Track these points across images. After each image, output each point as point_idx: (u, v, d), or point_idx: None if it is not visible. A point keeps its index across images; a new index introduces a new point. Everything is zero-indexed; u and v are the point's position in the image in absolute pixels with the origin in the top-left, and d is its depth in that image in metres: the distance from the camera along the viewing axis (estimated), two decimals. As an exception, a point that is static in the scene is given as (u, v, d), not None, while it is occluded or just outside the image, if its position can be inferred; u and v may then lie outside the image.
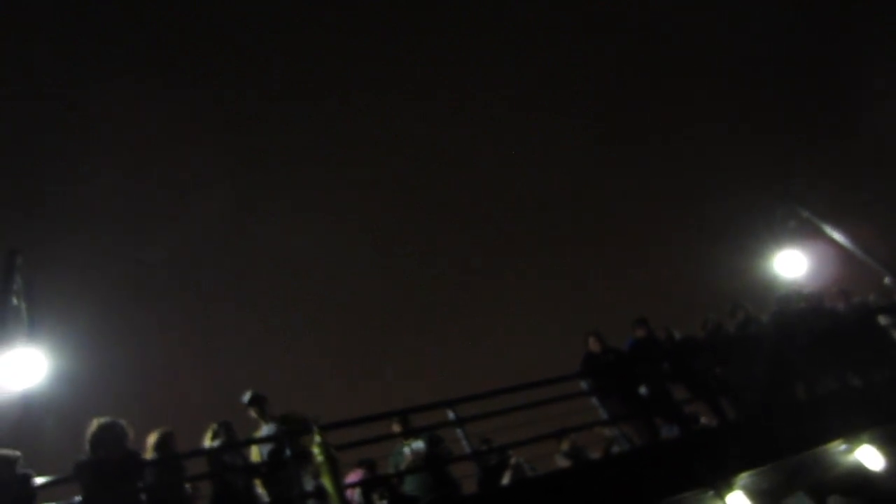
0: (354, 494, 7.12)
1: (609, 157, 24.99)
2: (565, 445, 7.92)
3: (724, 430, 7.81)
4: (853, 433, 7.68)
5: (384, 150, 25.08)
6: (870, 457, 7.53)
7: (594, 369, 8.01)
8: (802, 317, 8.75)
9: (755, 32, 22.61)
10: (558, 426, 7.54)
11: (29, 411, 6.33)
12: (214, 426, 6.51)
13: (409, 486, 7.14)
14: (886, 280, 10.20)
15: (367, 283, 24.31)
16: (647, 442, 7.49)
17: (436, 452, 7.22)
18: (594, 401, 7.81)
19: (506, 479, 7.41)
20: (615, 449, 7.88)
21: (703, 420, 8.66)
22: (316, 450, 6.16)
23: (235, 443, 6.53)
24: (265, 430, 6.76)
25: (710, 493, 7.01)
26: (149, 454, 6.02)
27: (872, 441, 7.57)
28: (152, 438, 6.11)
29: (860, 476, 7.61)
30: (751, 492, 7.11)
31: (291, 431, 6.56)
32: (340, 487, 6.07)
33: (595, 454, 8.18)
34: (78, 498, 5.56)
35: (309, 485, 6.50)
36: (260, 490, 6.46)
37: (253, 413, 6.84)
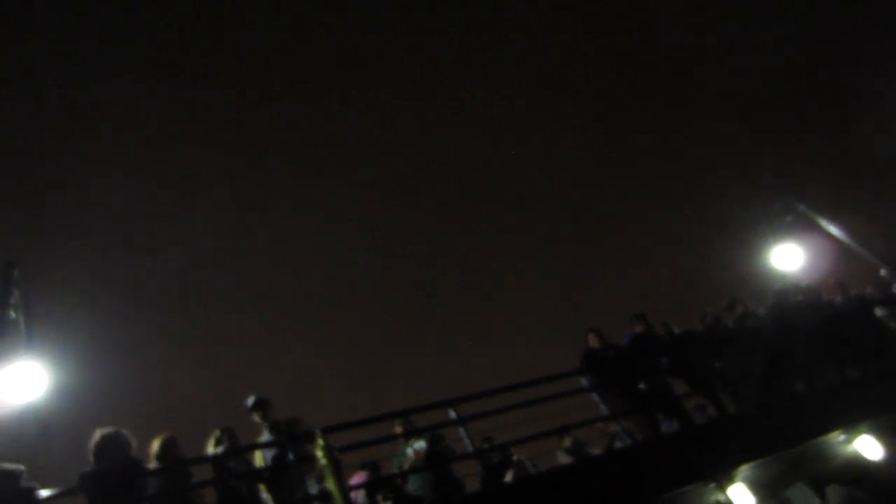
0: (359, 496, 7.15)
1: (608, 156, 25.07)
2: (567, 442, 7.97)
3: (724, 424, 7.86)
4: (852, 424, 7.74)
5: (384, 150, 25.11)
6: (868, 447, 7.59)
7: (594, 365, 8.04)
8: (800, 310, 8.80)
9: (754, 31, 22.66)
10: (559, 423, 7.57)
11: (30, 425, 6.33)
12: (217, 432, 6.51)
13: (413, 485, 7.17)
14: (883, 272, 10.27)
15: (367, 282, 24.36)
16: (647, 437, 7.53)
17: (438, 451, 7.25)
18: (595, 397, 7.86)
19: (508, 477, 7.45)
20: (617, 445, 7.92)
21: (710, 411, 8.68)
22: (319, 453, 6.18)
23: (239, 448, 6.54)
24: (268, 434, 6.77)
25: (712, 485, 7.06)
26: (152, 461, 6.03)
27: (871, 431, 7.64)
28: (155, 445, 6.12)
29: (859, 466, 7.67)
30: (752, 483, 7.15)
31: (295, 436, 6.57)
32: (345, 490, 6.10)
33: (597, 450, 8.23)
34: (83, 508, 5.57)
35: (313, 488, 6.53)
36: (265, 495, 6.47)
37: (257, 417, 6.84)
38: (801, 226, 10.09)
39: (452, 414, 7.21)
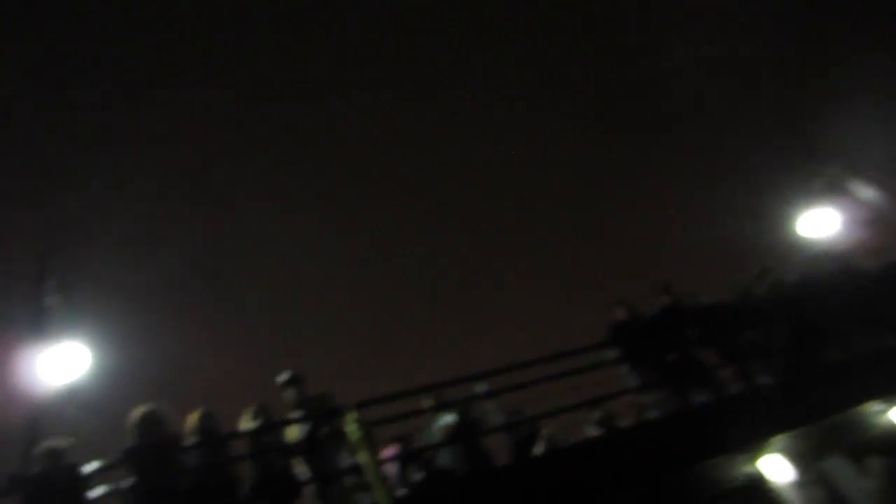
0: (390, 469, 7.27)
1: (631, 124, 24.67)
2: (596, 415, 7.97)
3: (756, 394, 7.77)
4: (890, 393, 7.60)
5: (402, 137, 25.19)
6: (907, 416, 7.46)
7: (622, 337, 8.00)
8: (832, 277, 8.61)
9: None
10: (588, 396, 7.57)
11: (73, 404, 6.58)
12: (252, 408, 6.67)
13: (444, 458, 7.28)
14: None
15: (395, 260, 24.56)
16: (677, 408, 7.49)
17: (467, 423, 7.32)
18: (623, 369, 7.83)
19: (537, 450, 7.51)
20: (646, 416, 7.90)
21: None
22: (351, 427, 6.29)
23: (273, 424, 6.69)
24: (301, 410, 6.90)
25: (744, 457, 7.02)
26: (189, 436, 6.20)
27: (909, 400, 7.49)
28: (192, 420, 6.30)
29: (897, 435, 7.55)
30: (787, 454, 7.11)
31: (327, 411, 6.70)
32: (377, 463, 6.21)
33: (627, 423, 8.22)
34: (127, 482, 5.78)
35: (346, 462, 6.67)
36: (299, 469, 6.63)
37: (290, 393, 6.98)
38: (834, 191, 9.83)
39: (481, 388, 7.27)
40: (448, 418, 7.37)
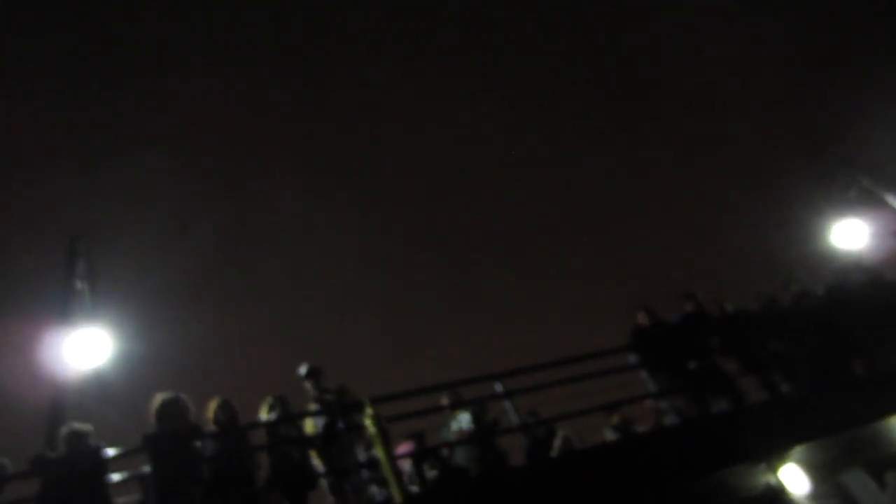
0: (406, 465, 7.29)
1: (663, 133, 24.49)
2: (615, 419, 7.92)
3: (777, 404, 7.67)
4: (914, 408, 7.46)
5: (419, 140, 25.26)
6: (931, 432, 7.31)
7: (643, 343, 7.94)
8: (861, 289, 8.46)
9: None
10: (607, 400, 7.53)
11: (96, 388, 6.67)
12: (270, 399, 6.72)
13: (459, 457, 7.28)
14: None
15: (416, 258, 24.62)
16: (697, 415, 7.42)
17: (481, 424, 7.32)
18: (643, 374, 7.77)
19: (554, 452, 7.48)
20: (665, 422, 7.83)
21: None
22: (368, 422, 6.31)
23: (291, 415, 6.73)
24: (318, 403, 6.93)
25: (763, 466, 6.93)
26: (209, 423, 6.26)
27: (935, 416, 7.34)
28: (211, 408, 6.35)
29: (921, 451, 7.41)
30: (805, 465, 7.00)
31: (344, 404, 6.72)
32: (392, 458, 6.22)
33: (644, 428, 8.16)
34: (146, 468, 5.85)
35: (362, 456, 6.70)
36: (315, 461, 6.67)
37: (309, 386, 7.01)
38: (866, 201, 9.65)
39: (499, 387, 7.25)
40: (463, 421, 7.37)
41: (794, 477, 6.98)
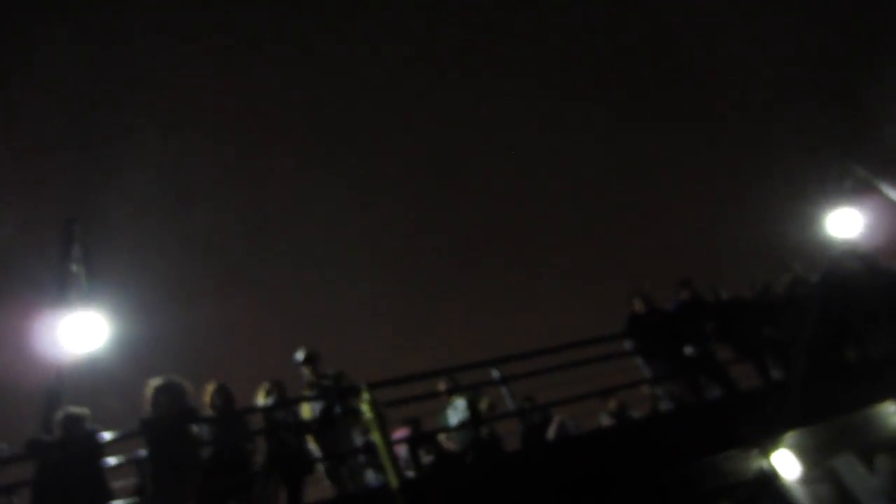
0: (401, 451, 7.32)
1: (654, 124, 24.48)
2: (611, 405, 7.98)
3: (771, 390, 7.75)
4: (904, 394, 7.55)
5: (432, 121, 25.14)
6: (921, 418, 7.41)
7: (638, 329, 7.99)
8: (855, 277, 8.52)
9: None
10: (603, 386, 7.58)
11: (91, 372, 6.65)
12: (267, 384, 6.72)
13: (454, 442, 7.34)
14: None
15: (417, 243, 24.64)
16: (691, 401, 7.49)
17: (475, 411, 7.35)
18: (638, 361, 7.83)
19: (549, 438, 7.53)
20: (660, 408, 7.91)
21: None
22: (365, 407, 6.33)
23: (288, 400, 6.74)
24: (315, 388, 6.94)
25: (755, 451, 7.01)
26: (207, 404, 6.26)
27: (925, 402, 7.44)
28: (207, 392, 6.33)
29: (911, 437, 7.51)
30: (797, 450, 7.09)
31: (341, 389, 6.73)
32: (389, 443, 6.25)
33: (640, 414, 8.23)
34: (142, 452, 5.85)
35: (358, 441, 6.72)
36: (312, 446, 6.68)
37: (306, 371, 7.01)
38: (861, 190, 9.69)
39: (496, 373, 7.29)
40: (459, 407, 7.40)
41: (786, 462, 7.06)
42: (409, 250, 24.40)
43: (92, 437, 5.66)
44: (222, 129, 23.47)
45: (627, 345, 8.00)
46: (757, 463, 7.12)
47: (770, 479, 7.08)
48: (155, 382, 5.94)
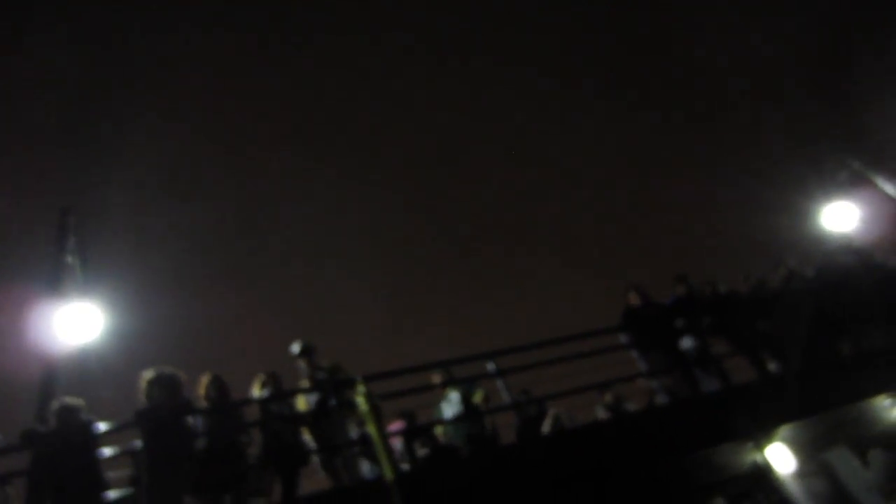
0: (396, 443, 7.33)
1: (652, 118, 24.49)
2: (608, 398, 8.00)
3: (765, 384, 7.77)
4: (898, 388, 7.58)
5: (427, 109, 25.08)
6: (915, 412, 7.45)
7: (634, 323, 8.00)
8: (850, 271, 8.54)
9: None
10: (599, 379, 7.59)
11: (86, 363, 6.64)
12: (262, 376, 6.72)
13: (451, 435, 7.35)
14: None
15: (416, 236, 24.63)
16: (687, 394, 7.51)
17: (470, 404, 7.37)
18: (634, 354, 7.84)
19: (545, 431, 7.55)
20: (656, 401, 7.93)
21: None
22: (360, 400, 6.33)
23: (283, 392, 6.74)
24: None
25: (750, 444, 7.04)
26: (201, 396, 6.26)
27: (919, 396, 7.47)
28: (202, 383, 6.34)
29: (904, 431, 7.54)
30: (791, 444, 7.11)
31: (337, 382, 6.74)
32: (384, 435, 6.25)
33: (636, 407, 8.25)
34: (137, 443, 5.85)
35: (354, 433, 6.73)
36: (307, 438, 6.69)
37: (302, 363, 7.00)
38: (857, 184, 9.71)
39: (491, 366, 7.29)
40: (453, 399, 7.41)
41: (780, 455, 7.09)
42: (406, 242, 24.43)
43: (87, 427, 5.67)
44: (219, 121, 23.41)
45: (623, 338, 8.01)
46: (751, 456, 7.14)
47: (764, 473, 7.11)
48: (149, 374, 5.94)
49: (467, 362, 7.38)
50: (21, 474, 5.50)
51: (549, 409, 7.75)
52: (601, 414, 7.94)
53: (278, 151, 23.92)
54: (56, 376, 6.36)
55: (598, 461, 6.46)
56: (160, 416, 5.74)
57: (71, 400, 5.77)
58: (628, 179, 24.56)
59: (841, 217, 9.77)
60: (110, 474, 5.97)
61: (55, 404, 5.77)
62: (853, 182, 9.72)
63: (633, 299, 8.15)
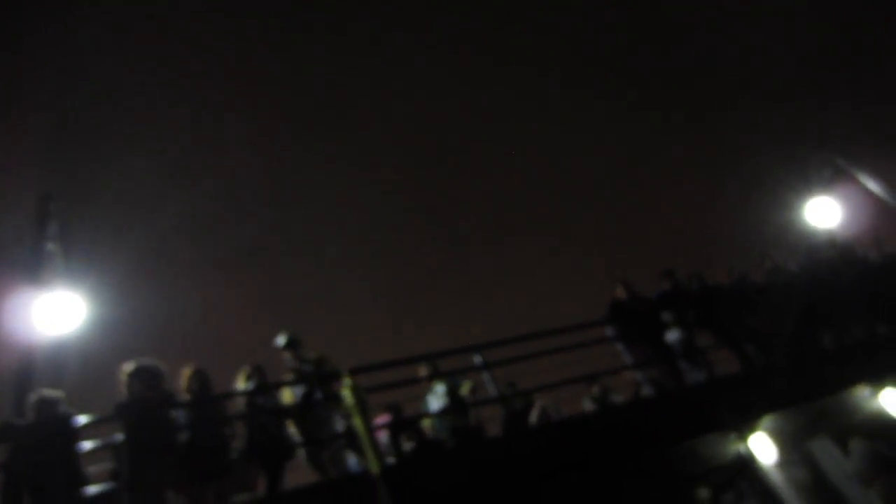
0: (382, 437, 7.28)
1: (637, 115, 24.64)
2: (594, 390, 8.02)
3: (749, 375, 7.85)
4: (878, 379, 7.71)
5: (415, 106, 25.00)
6: (893, 402, 7.56)
7: (620, 316, 8.03)
8: (833, 265, 8.67)
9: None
10: (585, 372, 7.61)
11: (65, 355, 6.50)
12: (247, 369, 6.63)
13: (434, 429, 7.32)
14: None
15: (399, 228, 24.55)
16: (672, 386, 7.56)
17: (455, 397, 7.34)
18: (620, 347, 7.87)
19: (531, 423, 7.55)
20: (642, 393, 7.97)
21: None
22: (346, 392, 6.28)
23: (269, 385, 6.66)
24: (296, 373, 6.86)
25: (733, 435, 7.10)
26: (184, 389, 6.16)
27: (896, 386, 7.60)
28: (184, 376, 6.24)
29: (883, 421, 7.66)
30: (773, 434, 7.19)
31: (323, 374, 6.67)
32: (370, 429, 6.21)
33: (622, 399, 8.29)
34: (118, 437, 5.74)
35: (339, 426, 6.67)
36: (291, 429, 6.62)
37: (288, 356, 6.93)
38: (840, 180, 9.85)
39: (478, 359, 7.27)
40: (439, 392, 7.38)
41: (762, 445, 7.17)
42: (395, 235, 24.34)
43: (66, 420, 5.55)
44: (210, 111, 23.03)
45: (609, 331, 8.04)
46: (735, 447, 7.22)
47: (747, 463, 7.19)
48: (130, 366, 5.85)
49: (454, 355, 7.35)
50: (-2, 468, 5.35)
51: (536, 401, 7.75)
52: (588, 406, 7.96)
53: (270, 142, 23.69)
54: (34, 367, 6.23)
55: (584, 453, 6.47)
56: (141, 409, 5.64)
57: (50, 392, 5.65)
58: (617, 175, 24.73)
59: (824, 212, 9.91)
60: (90, 468, 5.86)
61: (33, 396, 5.64)
62: (836, 178, 9.85)
63: (620, 293, 8.20)
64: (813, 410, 7.53)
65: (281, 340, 6.96)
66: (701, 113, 23.61)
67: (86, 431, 5.77)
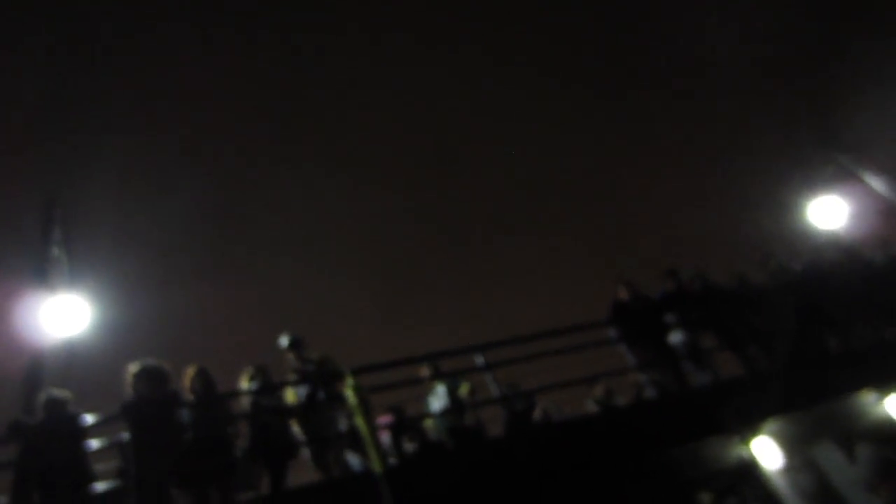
0: (384, 437, 7.33)
1: (638, 114, 24.49)
2: (598, 391, 8.01)
3: (753, 378, 7.81)
4: (884, 384, 7.63)
5: (413, 100, 25.01)
6: (900, 407, 7.50)
7: (622, 317, 8.02)
8: (837, 266, 8.59)
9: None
10: (587, 373, 7.61)
11: (73, 356, 6.62)
12: (251, 369, 6.70)
13: (436, 430, 7.37)
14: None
15: (401, 226, 24.58)
16: (675, 389, 7.54)
17: (455, 399, 7.38)
18: (622, 348, 7.86)
19: (532, 424, 7.57)
20: (645, 395, 7.96)
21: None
22: (349, 392, 6.34)
23: (272, 385, 6.73)
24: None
25: (736, 438, 7.08)
26: (186, 391, 6.24)
27: (904, 391, 7.53)
28: (188, 375, 6.30)
29: (889, 426, 7.60)
30: (777, 438, 7.16)
31: (326, 374, 6.73)
32: (373, 428, 6.26)
33: (625, 401, 8.28)
34: (124, 436, 5.84)
35: (343, 426, 6.73)
36: (295, 428, 6.69)
37: (291, 356, 6.99)
38: (844, 179, 9.75)
39: (480, 360, 7.30)
40: (440, 393, 7.42)
41: (766, 449, 7.14)
42: (394, 234, 24.36)
43: (74, 420, 5.66)
44: (209, 114, 23.19)
45: (612, 332, 8.03)
46: (738, 450, 7.19)
47: (750, 467, 7.16)
48: (135, 367, 5.92)
49: (456, 355, 7.39)
50: (7, 466, 5.47)
51: (537, 402, 7.77)
52: (591, 407, 7.96)
53: (265, 144, 23.83)
54: (42, 368, 6.35)
55: (586, 454, 6.49)
56: (147, 409, 5.73)
57: (58, 392, 5.76)
58: (618, 173, 24.57)
59: (828, 213, 9.82)
60: (98, 466, 5.96)
61: (42, 396, 5.75)
62: (840, 178, 9.76)
63: (622, 293, 8.18)
64: (818, 415, 7.47)
65: (284, 341, 7.02)
66: (703, 112, 23.42)
67: (93, 430, 5.87)
